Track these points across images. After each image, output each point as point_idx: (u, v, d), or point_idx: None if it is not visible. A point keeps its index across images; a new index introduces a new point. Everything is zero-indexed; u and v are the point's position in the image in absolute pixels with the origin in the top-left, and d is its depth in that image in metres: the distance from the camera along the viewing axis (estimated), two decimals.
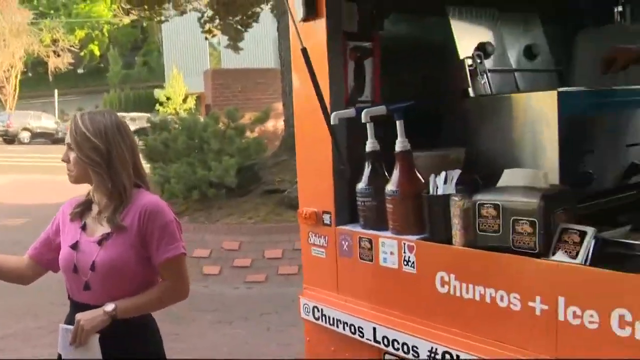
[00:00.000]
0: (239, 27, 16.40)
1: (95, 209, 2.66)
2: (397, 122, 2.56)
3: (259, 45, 26.75)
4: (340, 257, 2.87)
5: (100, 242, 2.57)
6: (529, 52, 3.48)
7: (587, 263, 1.99)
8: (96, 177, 2.58)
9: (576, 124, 2.69)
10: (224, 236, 9.19)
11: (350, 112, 2.67)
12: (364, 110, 2.57)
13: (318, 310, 2.98)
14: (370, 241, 2.69)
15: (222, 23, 16.52)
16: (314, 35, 2.85)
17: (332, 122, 2.64)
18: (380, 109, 2.61)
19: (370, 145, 2.67)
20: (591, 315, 1.95)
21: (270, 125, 15.37)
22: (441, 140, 3.00)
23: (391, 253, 2.58)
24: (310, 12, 2.81)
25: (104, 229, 2.60)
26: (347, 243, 2.81)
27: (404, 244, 2.53)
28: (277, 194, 9.88)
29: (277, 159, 11.51)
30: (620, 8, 4.19)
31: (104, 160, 2.54)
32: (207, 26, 16.92)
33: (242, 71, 22.41)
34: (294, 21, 2.78)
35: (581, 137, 2.74)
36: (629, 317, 1.87)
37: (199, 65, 31.70)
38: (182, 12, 17.25)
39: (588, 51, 4.01)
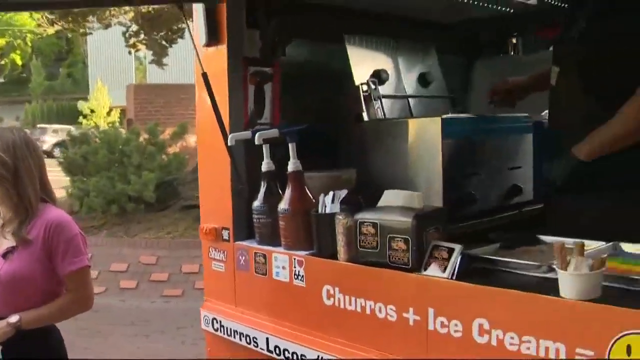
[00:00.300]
0: (164, 42, 16.34)
1: None
2: (290, 145, 2.72)
3: (186, 61, 26.68)
4: (237, 271, 3.02)
5: (5, 256, 2.64)
6: (424, 80, 3.69)
7: (454, 277, 2.16)
8: (2, 191, 2.65)
9: (460, 148, 2.91)
10: (142, 250, 9.19)
11: (246, 134, 2.82)
12: (257, 133, 2.72)
13: (217, 322, 3.12)
14: (264, 256, 2.84)
15: (147, 38, 16.45)
16: (216, 60, 2.99)
17: (229, 144, 2.79)
18: (273, 132, 2.76)
19: (266, 165, 2.82)
20: (456, 325, 2.14)
21: (192, 140, 15.38)
22: (338, 162, 3.18)
23: (283, 267, 2.74)
24: (212, 38, 2.96)
25: (8, 242, 2.67)
26: (244, 258, 2.96)
27: (294, 259, 2.68)
28: (195, 210, 9.87)
29: (197, 174, 11.53)
30: (514, 40, 4.48)
31: (11, 174, 2.62)
32: (132, 40, 16.81)
33: (165, 86, 22.31)
34: (195, 46, 2.92)
35: (465, 160, 2.95)
36: (487, 326, 2.06)
37: (124, 79, 31.41)
38: (107, 26, 17.10)
39: (483, 79, 4.27)
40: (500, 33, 4.47)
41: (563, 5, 3.95)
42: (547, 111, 3.67)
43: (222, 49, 2.97)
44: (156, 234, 9.57)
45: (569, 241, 2.44)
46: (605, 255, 2.08)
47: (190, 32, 2.94)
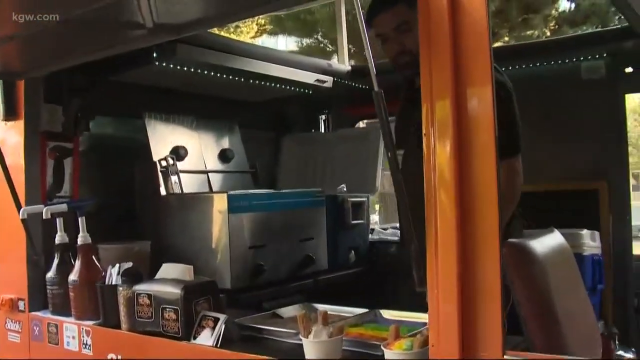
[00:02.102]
0: None
1: None
2: (79, 219, 2.83)
3: None
4: (32, 341, 3.06)
5: None
6: (224, 156, 3.90)
7: (218, 344, 2.33)
8: None
9: (247, 222, 3.11)
10: None
11: (38, 208, 2.90)
12: (45, 208, 2.82)
13: None
14: (56, 326, 2.91)
15: None
16: (15, 134, 3.08)
17: (20, 217, 2.86)
18: (62, 207, 2.86)
19: (59, 238, 2.91)
20: None
21: None
22: (137, 233, 3.31)
23: (73, 337, 2.82)
24: (10, 113, 3.05)
25: None
26: (38, 328, 3.01)
27: (83, 328, 2.77)
28: None
29: None
30: (324, 117, 4.78)
31: None
32: None
33: None
34: None
35: (252, 233, 3.15)
36: None
37: None
38: None
39: (291, 154, 4.53)
40: (307, 110, 4.76)
41: (362, 86, 4.28)
42: (343, 185, 3.98)
43: (20, 124, 3.07)
44: None
45: (339, 309, 2.71)
46: (343, 323, 2.30)
47: None
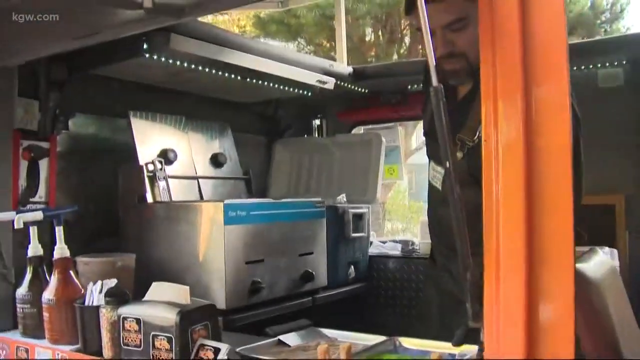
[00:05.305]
0: None
1: None
2: (56, 228, 2.49)
3: None
4: None
5: None
6: (216, 160, 3.58)
7: None
8: None
9: (244, 234, 2.80)
10: None
11: (9, 215, 2.55)
12: (17, 216, 2.47)
13: None
14: (27, 350, 2.55)
15: None
16: None
17: None
18: (37, 215, 2.52)
19: (33, 249, 2.55)
20: None
21: None
22: (120, 245, 2.99)
23: None
24: None
25: None
26: (4, 352, 2.65)
27: (58, 354, 2.43)
28: None
29: None
30: (318, 122, 4.49)
31: None
32: None
33: None
34: None
35: (250, 247, 2.84)
36: None
37: None
38: None
39: (284, 161, 4.22)
40: (303, 114, 4.46)
41: (362, 90, 4.00)
42: (343, 195, 3.68)
43: None
44: None
45: (350, 335, 2.40)
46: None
47: None
